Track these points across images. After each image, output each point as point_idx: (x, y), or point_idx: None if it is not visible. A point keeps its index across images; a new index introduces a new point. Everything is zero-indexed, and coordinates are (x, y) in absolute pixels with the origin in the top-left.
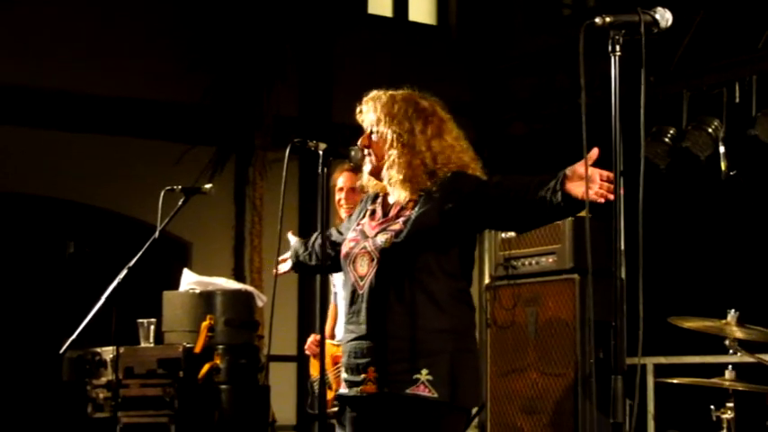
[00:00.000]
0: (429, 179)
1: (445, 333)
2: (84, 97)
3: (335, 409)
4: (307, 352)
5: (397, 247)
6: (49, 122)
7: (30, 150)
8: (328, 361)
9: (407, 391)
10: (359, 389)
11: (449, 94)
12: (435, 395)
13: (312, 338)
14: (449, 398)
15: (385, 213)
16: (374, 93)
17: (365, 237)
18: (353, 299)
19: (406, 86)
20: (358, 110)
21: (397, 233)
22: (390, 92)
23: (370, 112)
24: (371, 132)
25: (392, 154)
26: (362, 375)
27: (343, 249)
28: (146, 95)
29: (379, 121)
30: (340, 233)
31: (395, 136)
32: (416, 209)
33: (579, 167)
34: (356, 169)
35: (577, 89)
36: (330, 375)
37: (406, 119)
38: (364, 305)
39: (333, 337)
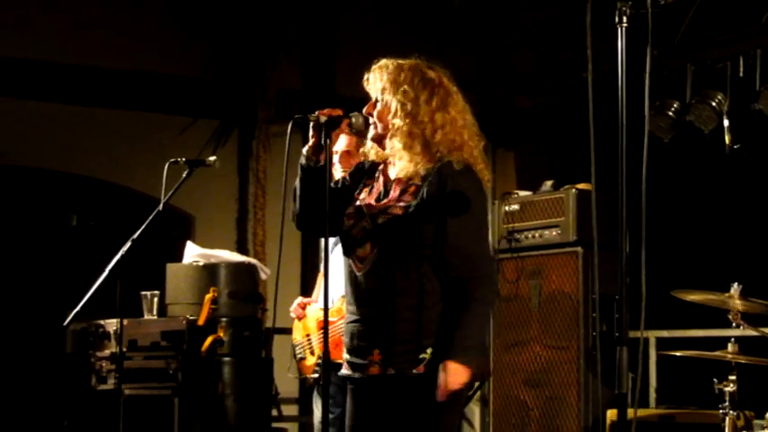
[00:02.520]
0: (428, 154)
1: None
2: (86, 70)
3: (316, 375)
4: (292, 314)
5: (398, 232)
6: (52, 95)
7: (32, 123)
8: (313, 325)
9: (413, 371)
10: (364, 372)
11: (452, 67)
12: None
13: (298, 301)
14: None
15: (386, 191)
16: (382, 61)
17: (363, 215)
18: (352, 280)
19: (414, 56)
20: (365, 78)
21: (398, 219)
22: (398, 60)
23: (376, 81)
24: (377, 100)
25: (396, 123)
26: (367, 358)
27: (344, 225)
28: (149, 68)
29: (384, 89)
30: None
31: (399, 105)
32: (418, 197)
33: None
34: (357, 134)
35: (581, 63)
36: (315, 340)
37: (411, 88)
38: (365, 287)
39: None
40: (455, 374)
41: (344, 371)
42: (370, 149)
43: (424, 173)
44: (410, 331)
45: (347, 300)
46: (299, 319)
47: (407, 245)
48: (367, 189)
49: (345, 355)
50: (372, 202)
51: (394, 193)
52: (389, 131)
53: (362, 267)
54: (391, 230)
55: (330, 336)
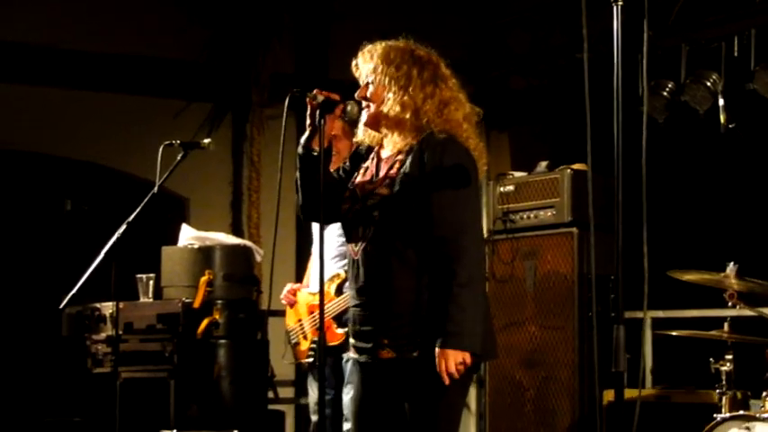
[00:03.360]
0: (417, 128)
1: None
2: (79, 54)
3: (310, 359)
4: (283, 301)
5: (386, 213)
6: (46, 79)
7: (26, 107)
8: (304, 310)
9: (414, 354)
10: (368, 355)
11: (446, 49)
12: None
13: (288, 288)
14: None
15: (377, 173)
16: (369, 45)
17: (356, 200)
18: (351, 265)
19: (401, 37)
20: (354, 63)
21: (385, 198)
22: (386, 41)
23: (367, 63)
24: (369, 83)
25: (389, 97)
26: (371, 342)
27: (342, 210)
28: (142, 52)
29: (376, 68)
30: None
31: (393, 80)
32: (401, 170)
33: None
34: (350, 123)
35: (575, 44)
36: (307, 324)
37: (403, 63)
38: (362, 271)
39: (308, 286)
40: (450, 359)
41: (352, 354)
42: (367, 134)
43: (408, 148)
44: (407, 314)
45: (350, 285)
46: (291, 305)
47: (397, 224)
48: (362, 171)
49: (351, 340)
50: (364, 182)
51: (382, 172)
52: (383, 107)
53: (357, 251)
54: (380, 211)
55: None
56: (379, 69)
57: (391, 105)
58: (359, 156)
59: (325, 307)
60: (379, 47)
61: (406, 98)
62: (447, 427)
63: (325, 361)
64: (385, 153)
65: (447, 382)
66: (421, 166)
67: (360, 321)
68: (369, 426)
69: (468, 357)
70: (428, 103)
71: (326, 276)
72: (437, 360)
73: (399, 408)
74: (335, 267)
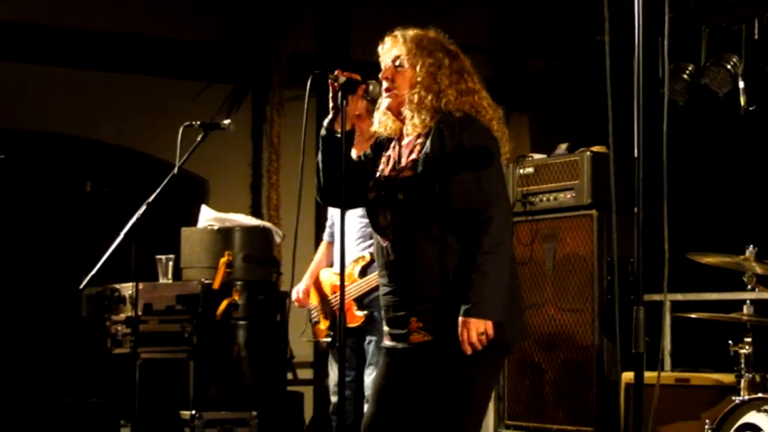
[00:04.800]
0: (437, 110)
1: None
2: (101, 35)
3: (329, 339)
4: (295, 303)
5: (412, 195)
6: (67, 60)
7: (47, 89)
8: (328, 290)
9: (449, 335)
10: (405, 341)
11: (467, 30)
12: None
13: (302, 291)
14: (494, 336)
15: (399, 159)
16: (400, 29)
17: (381, 187)
18: (381, 252)
19: (431, 27)
20: (381, 44)
21: (409, 180)
22: (417, 29)
23: (396, 46)
24: (396, 65)
25: (418, 81)
26: (406, 327)
27: (367, 199)
28: (163, 33)
29: (408, 51)
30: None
31: (423, 65)
32: (423, 151)
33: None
34: (372, 102)
35: (595, 26)
36: (327, 304)
37: (435, 50)
38: (393, 257)
39: (331, 265)
40: (472, 328)
41: (387, 342)
42: (384, 124)
43: (427, 130)
44: (440, 295)
45: (379, 273)
46: (302, 306)
47: (423, 206)
48: (384, 160)
49: (385, 327)
50: (388, 171)
51: (404, 158)
52: (410, 91)
53: (386, 237)
54: (406, 194)
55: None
56: (412, 53)
57: (418, 89)
58: (380, 146)
59: (347, 288)
60: (411, 32)
61: (433, 83)
62: (476, 410)
63: (345, 342)
64: (405, 140)
65: (468, 352)
66: (441, 144)
67: (393, 307)
68: (391, 410)
69: (489, 327)
70: (452, 90)
71: (350, 258)
72: (459, 330)
73: (427, 393)
74: (358, 250)
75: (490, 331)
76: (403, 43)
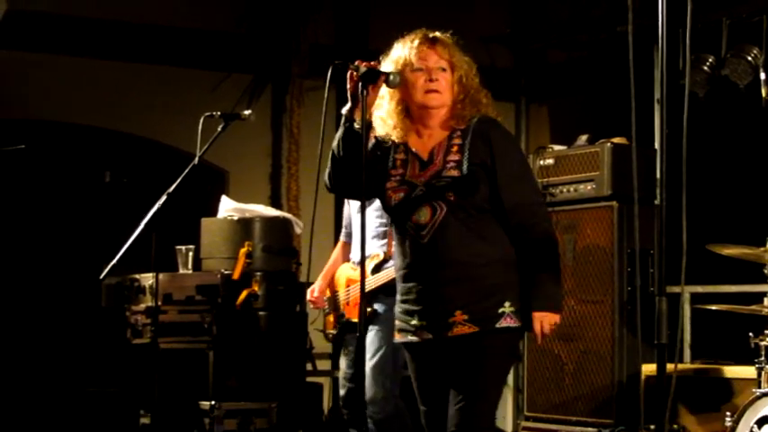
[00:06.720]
0: (461, 114)
1: (513, 265)
2: (121, 25)
3: (335, 331)
4: (310, 306)
5: (459, 192)
6: (87, 51)
7: (67, 79)
8: (343, 282)
9: (497, 325)
10: (445, 333)
11: (487, 21)
12: (519, 324)
13: (318, 289)
14: (528, 324)
15: (430, 159)
16: (439, 34)
17: (413, 186)
18: (415, 249)
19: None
20: (420, 44)
21: (456, 180)
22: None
23: (446, 50)
24: (442, 69)
25: (461, 85)
26: (450, 320)
27: (389, 200)
28: (182, 23)
29: (452, 55)
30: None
31: (464, 71)
32: (463, 153)
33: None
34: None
35: (615, 17)
36: (341, 296)
37: (470, 62)
38: (434, 252)
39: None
40: (546, 321)
41: (412, 337)
42: (385, 129)
43: (459, 133)
44: (488, 287)
45: (406, 270)
46: (316, 307)
47: (469, 203)
48: (400, 163)
49: (413, 322)
50: (418, 171)
51: (438, 157)
52: (453, 93)
53: (426, 234)
54: (452, 191)
55: (354, 295)
56: (455, 58)
57: (458, 91)
58: (378, 145)
59: (358, 284)
60: (450, 38)
61: (470, 85)
62: (496, 392)
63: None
64: (422, 142)
65: (540, 342)
66: (486, 144)
67: (430, 302)
68: (440, 402)
69: (558, 319)
70: (482, 92)
71: (367, 253)
72: (534, 323)
73: (471, 378)
74: (374, 247)
75: (558, 322)
76: (448, 47)
